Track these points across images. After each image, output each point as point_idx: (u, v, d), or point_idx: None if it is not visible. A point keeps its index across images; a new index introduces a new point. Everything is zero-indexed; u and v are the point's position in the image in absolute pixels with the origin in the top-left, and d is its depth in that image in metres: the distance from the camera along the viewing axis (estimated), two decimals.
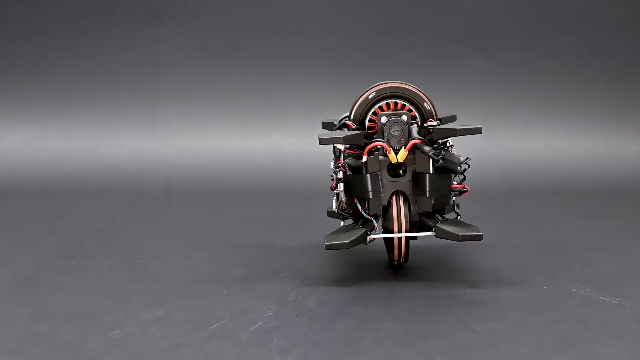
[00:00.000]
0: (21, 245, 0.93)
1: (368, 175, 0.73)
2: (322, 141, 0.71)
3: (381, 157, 0.74)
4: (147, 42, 1.46)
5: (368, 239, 0.74)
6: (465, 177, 0.76)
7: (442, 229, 0.73)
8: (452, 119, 0.81)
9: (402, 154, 0.72)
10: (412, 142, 0.72)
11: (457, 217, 0.77)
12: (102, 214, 1.12)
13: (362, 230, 0.74)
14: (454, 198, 0.78)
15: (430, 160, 0.72)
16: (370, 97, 0.76)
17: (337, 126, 0.78)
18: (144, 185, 1.33)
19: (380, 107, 0.76)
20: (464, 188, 0.76)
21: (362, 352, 0.59)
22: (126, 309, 0.69)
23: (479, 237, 0.71)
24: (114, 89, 1.45)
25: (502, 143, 1.41)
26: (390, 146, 0.72)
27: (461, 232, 0.72)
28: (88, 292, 0.74)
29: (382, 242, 0.82)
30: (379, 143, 0.72)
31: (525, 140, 1.41)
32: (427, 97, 0.76)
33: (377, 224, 0.75)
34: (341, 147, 0.76)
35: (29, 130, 1.41)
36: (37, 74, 1.44)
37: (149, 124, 1.44)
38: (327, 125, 0.84)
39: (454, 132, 0.72)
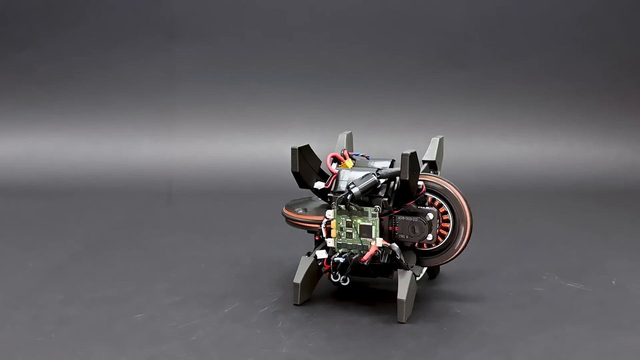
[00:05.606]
0: (54, 238, 0.93)
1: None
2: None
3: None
4: (165, 59, 1.46)
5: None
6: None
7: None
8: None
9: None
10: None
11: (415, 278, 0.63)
12: (125, 211, 1.12)
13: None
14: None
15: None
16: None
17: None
18: (161, 185, 1.32)
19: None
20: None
21: (358, 332, 0.59)
22: (148, 295, 0.69)
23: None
24: (135, 100, 1.44)
25: (479, 148, 1.41)
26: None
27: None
28: (114, 280, 0.74)
29: None
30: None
31: (499, 146, 1.42)
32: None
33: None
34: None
35: (60, 137, 1.41)
36: (67, 87, 1.44)
37: (166, 131, 1.44)
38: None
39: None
